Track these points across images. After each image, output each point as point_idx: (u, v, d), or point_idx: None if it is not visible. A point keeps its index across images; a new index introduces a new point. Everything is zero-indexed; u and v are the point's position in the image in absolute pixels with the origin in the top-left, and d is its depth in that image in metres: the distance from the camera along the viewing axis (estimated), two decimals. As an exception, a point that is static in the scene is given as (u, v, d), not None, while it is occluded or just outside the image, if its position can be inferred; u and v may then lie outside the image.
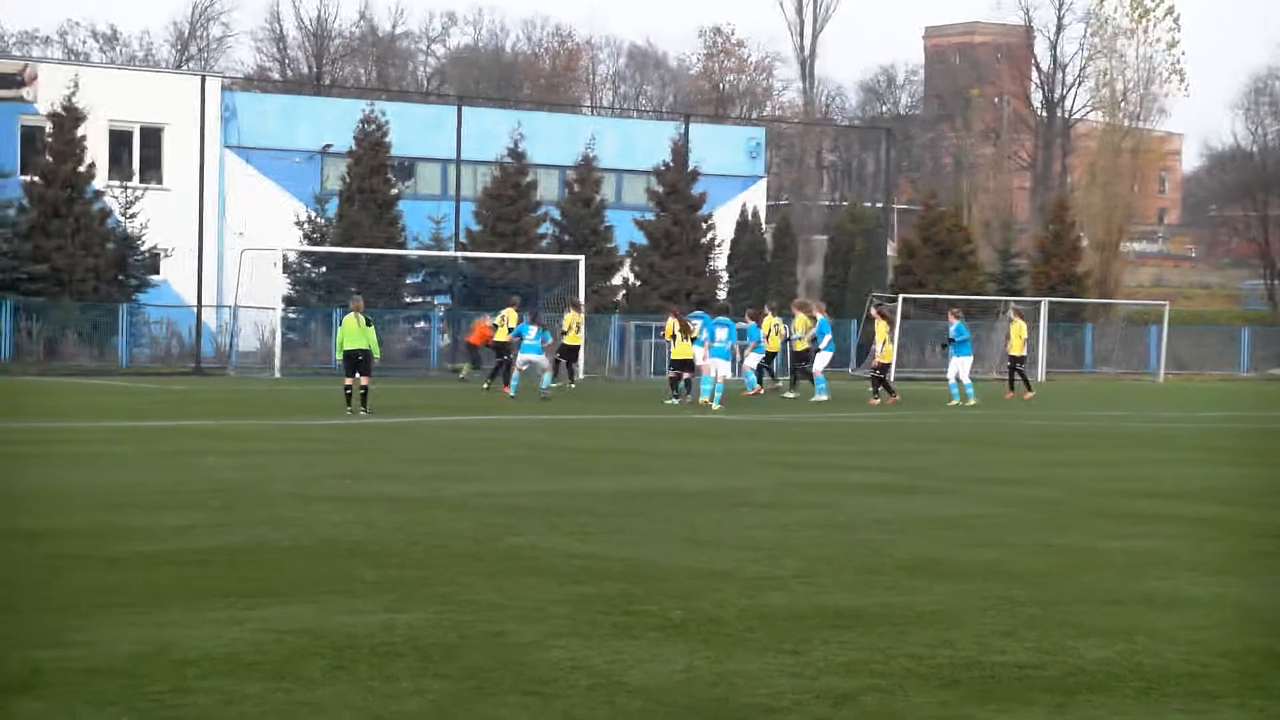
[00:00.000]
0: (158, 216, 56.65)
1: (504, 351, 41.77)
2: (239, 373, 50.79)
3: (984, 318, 65.97)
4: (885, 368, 39.11)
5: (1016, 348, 43.49)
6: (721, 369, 36.03)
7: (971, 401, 37.59)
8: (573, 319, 43.82)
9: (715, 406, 34.43)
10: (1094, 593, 11.23)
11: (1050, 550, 13.30)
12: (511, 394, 37.34)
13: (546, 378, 37.66)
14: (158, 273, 58.65)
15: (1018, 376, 42.49)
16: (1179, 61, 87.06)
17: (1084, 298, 71.79)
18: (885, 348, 38.76)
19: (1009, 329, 44.24)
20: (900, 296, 59.59)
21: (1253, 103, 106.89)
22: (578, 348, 44.89)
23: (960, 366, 38.83)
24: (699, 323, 37.49)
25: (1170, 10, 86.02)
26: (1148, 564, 12.61)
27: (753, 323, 40.71)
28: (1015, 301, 65.34)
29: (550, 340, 38.95)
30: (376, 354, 31.82)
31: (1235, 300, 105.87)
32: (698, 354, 36.56)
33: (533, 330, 37.33)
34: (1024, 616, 10.27)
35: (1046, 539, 13.97)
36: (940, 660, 9.00)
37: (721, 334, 36.34)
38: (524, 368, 37.50)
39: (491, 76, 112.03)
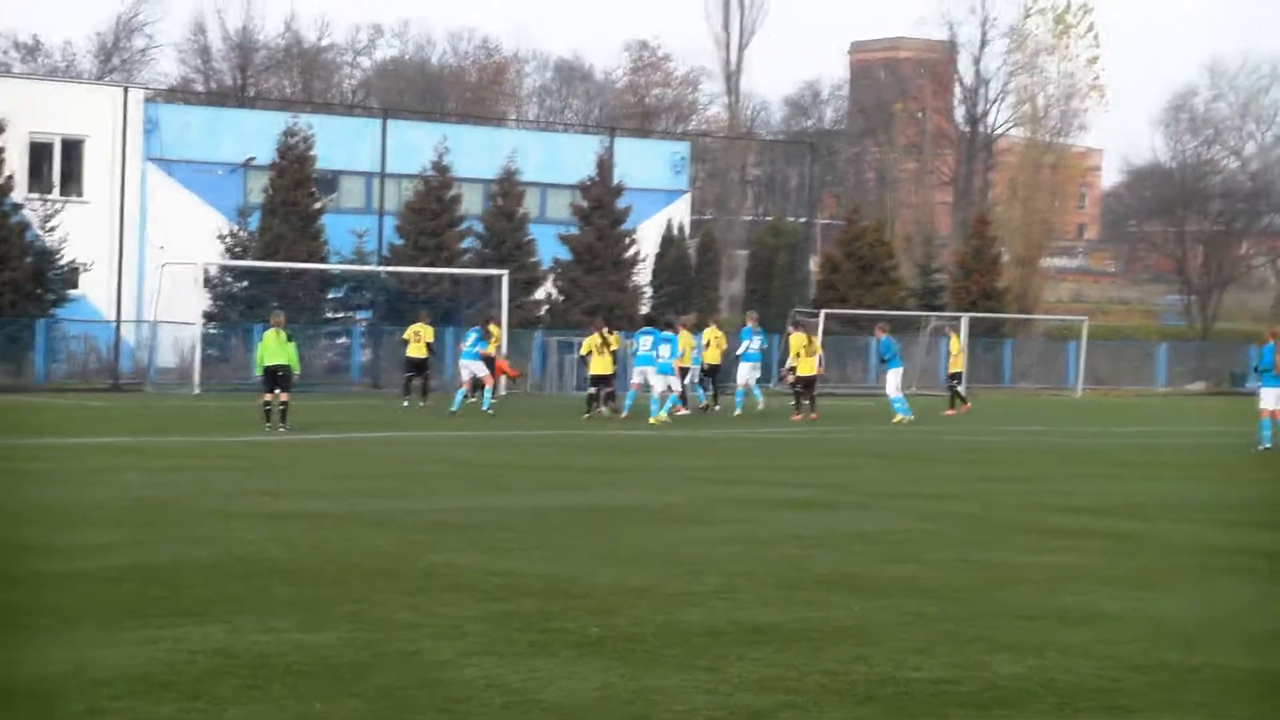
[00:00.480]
0: (77, 230, 56.12)
1: (419, 368, 41.67)
2: (157, 389, 50.39)
3: (906, 333, 66.29)
4: (810, 381, 38.85)
5: (955, 364, 44.36)
6: (673, 384, 36.17)
7: (908, 419, 37.39)
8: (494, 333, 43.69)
9: (656, 418, 34.57)
10: (1009, 608, 11.30)
11: (967, 565, 13.37)
12: (453, 409, 37.17)
13: (485, 394, 37.45)
14: (76, 287, 58.10)
15: (956, 392, 43.13)
16: (1099, 77, 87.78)
17: (1004, 313, 72.19)
18: (801, 361, 38.72)
19: (947, 345, 44.89)
20: (822, 311, 59.78)
21: (1172, 119, 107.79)
22: (493, 360, 44.55)
23: (893, 381, 38.91)
24: (649, 339, 37.11)
25: (1091, 27, 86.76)
26: (1063, 579, 12.70)
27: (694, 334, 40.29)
28: (937, 316, 65.74)
29: (488, 349, 38.89)
30: (296, 369, 31.70)
31: (1153, 316, 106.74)
32: (649, 371, 36.30)
33: (471, 337, 37.62)
34: (939, 632, 10.32)
35: (963, 554, 14.05)
36: (855, 676, 9.03)
37: (665, 350, 36.25)
38: (467, 379, 37.69)
39: (417, 89, 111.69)
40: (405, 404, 41.09)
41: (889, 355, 39.08)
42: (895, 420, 37.22)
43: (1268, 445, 29.50)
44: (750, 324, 42.07)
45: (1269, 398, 29.97)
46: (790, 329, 40.88)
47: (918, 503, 18.79)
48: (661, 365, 36.03)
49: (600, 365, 38.31)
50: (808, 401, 38.28)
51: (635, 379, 37.13)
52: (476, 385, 38.26)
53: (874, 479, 22.38)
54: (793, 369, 39.14)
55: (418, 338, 41.95)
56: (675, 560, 13.35)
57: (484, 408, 36.81)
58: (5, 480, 19.71)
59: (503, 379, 43.34)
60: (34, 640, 9.62)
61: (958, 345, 45.59)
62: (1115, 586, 12.42)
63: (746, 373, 40.08)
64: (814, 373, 38.80)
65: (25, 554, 13.11)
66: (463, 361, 37.80)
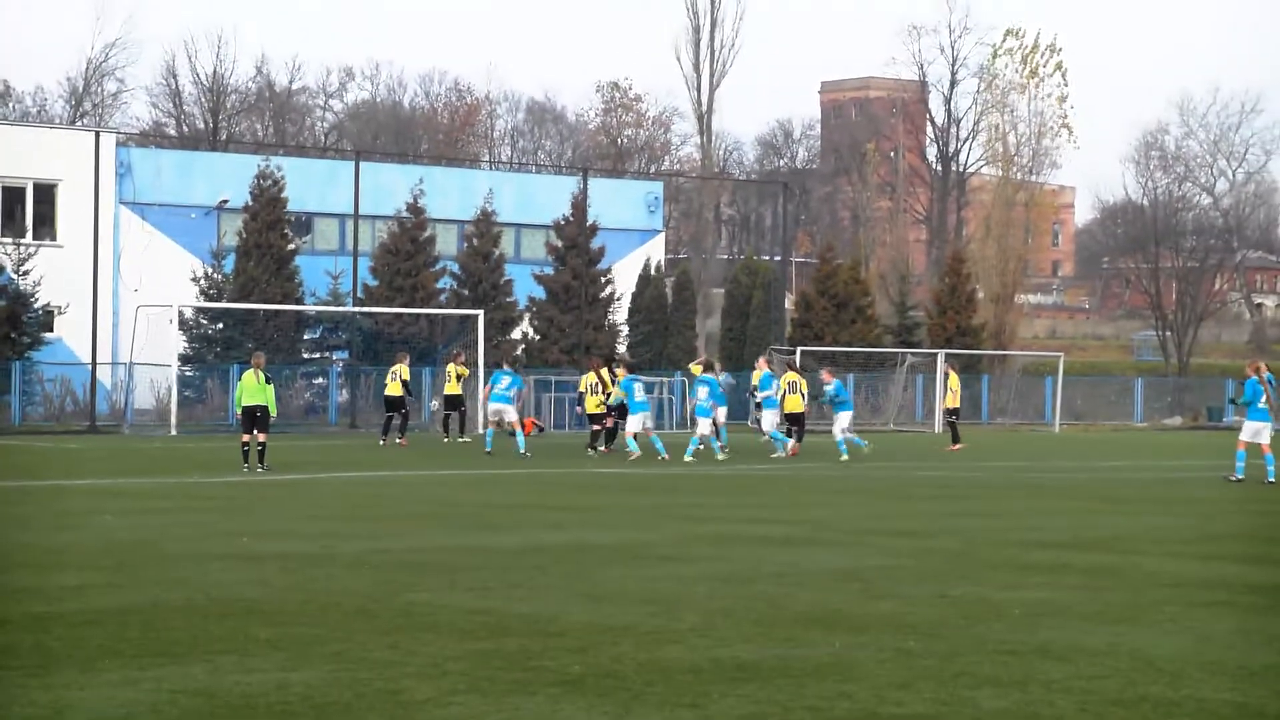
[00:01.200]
0: (51, 273, 56.05)
1: (397, 406, 41.84)
2: (134, 430, 50.28)
3: (881, 370, 66.41)
4: (797, 418, 39.15)
5: (952, 400, 44.95)
6: (702, 427, 36.14)
7: (844, 457, 37.13)
8: (453, 370, 43.67)
9: (686, 458, 34.90)
10: (989, 643, 11.29)
11: (946, 601, 13.37)
12: (488, 449, 36.98)
13: (519, 438, 36.63)
14: (51, 330, 58.01)
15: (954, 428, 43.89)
16: (1069, 116, 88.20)
17: (980, 349, 72.40)
18: (789, 398, 38.89)
19: (946, 382, 45.28)
20: (798, 349, 59.86)
21: (1143, 156, 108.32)
22: (459, 398, 44.45)
23: (842, 422, 38.71)
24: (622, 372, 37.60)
25: (1059, 65, 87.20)
26: (1043, 614, 12.70)
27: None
28: (913, 353, 65.85)
29: (524, 389, 38.65)
30: (274, 411, 31.70)
31: (1128, 351, 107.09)
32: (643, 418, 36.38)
33: (505, 380, 37.14)
34: (920, 668, 10.31)
35: (943, 590, 14.05)
36: (838, 713, 9.02)
37: (703, 392, 36.31)
38: (495, 419, 37.16)
39: (389, 131, 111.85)
40: (381, 442, 41.23)
41: (841, 398, 38.89)
42: (842, 459, 36.90)
43: (1240, 476, 29.64)
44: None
45: (1248, 431, 30.11)
46: (779, 367, 40.78)
47: (896, 539, 18.79)
48: (700, 408, 36.38)
49: (594, 404, 38.72)
50: (795, 438, 38.49)
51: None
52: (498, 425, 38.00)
53: (851, 515, 22.38)
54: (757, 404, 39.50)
55: (395, 377, 42.26)
56: (653, 598, 13.33)
57: (520, 451, 36.37)
58: (-19, 524, 19.63)
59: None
60: (13, 682, 9.57)
61: (956, 382, 45.87)
62: (1095, 621, 12.43)
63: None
64: (801, 410, 39.10)
65: (5, 596, 13.05)
66: (495, 405, 37.01)
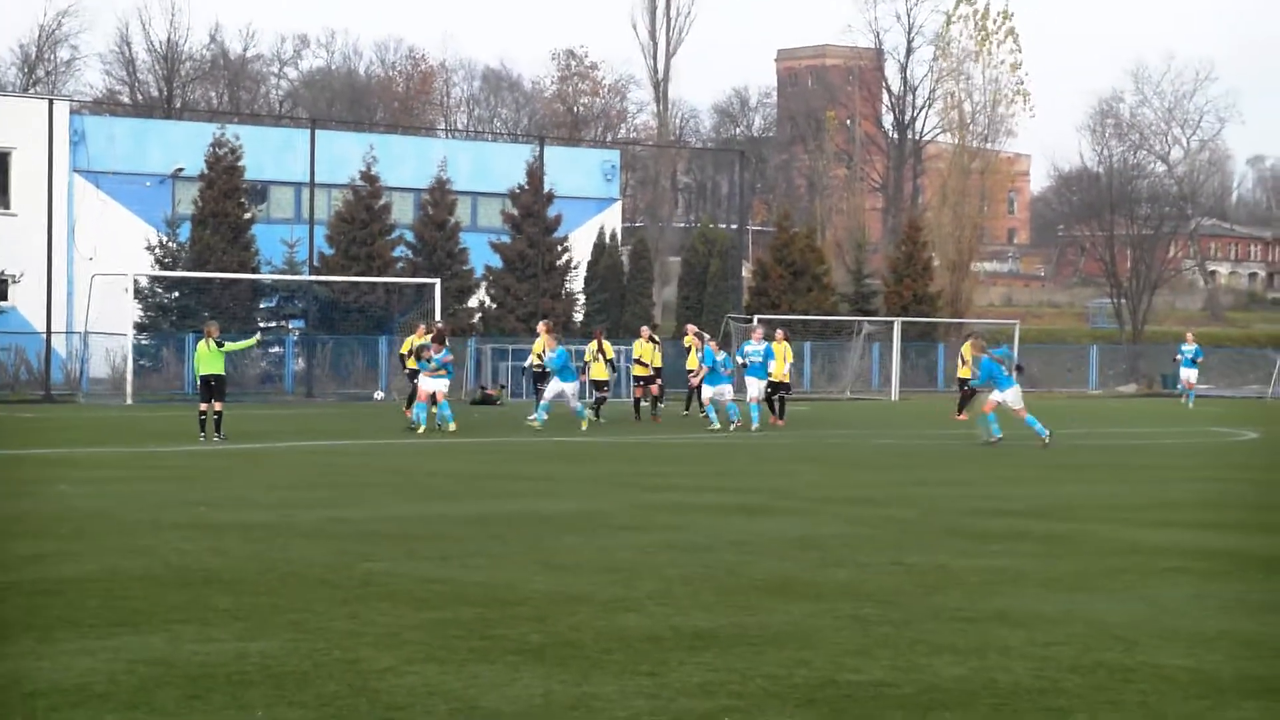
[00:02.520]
0: (5, 241, 55.84)
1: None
2: (90, 399, 50.09)
3: (838, 338, 66.54)
4: (782, 386, 39.37)
5: (965, 371, 44.29)
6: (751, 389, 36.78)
7: (716, 425, 35.68)
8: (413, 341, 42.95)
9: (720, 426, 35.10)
10: (946, 611, 11.35)
11: (903, 569, 13.43)
12: (539, 424, 35.35)
13: (580, 408, 35.75)
14: (5, 299, 57.74)
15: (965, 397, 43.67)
16: (1024, 83, 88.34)
17: (936, 317, 72.58)
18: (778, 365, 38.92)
19: (961, 350, 45.28)
20: (755, 317, 59.92)
21: (1099, 124, 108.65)
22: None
23: (723, 392, 37.14)
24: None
25: (1011, 32, 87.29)
26: (999, 581, 12.77)
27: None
28: (869, 321, 65.98)
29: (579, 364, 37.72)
30: (251, 343, 32.27)
31: (1083, 319, 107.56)
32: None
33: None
34: (878, 635, 10.36)
35: (899, 558, 14.11)
36: (796, 680, 9.06)
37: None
38: (556, 397, 35.51)
39: (344, 99, 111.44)
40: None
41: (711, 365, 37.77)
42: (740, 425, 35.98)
43: (999, 435, 31.46)
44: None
45: (999, 397, 31.82)
46: (773, 336, 39.94)
47: (853, 508, 18.86)
48: (755, 368, 36.85)
49: (598, 372, 39.45)
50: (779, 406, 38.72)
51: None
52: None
53: (809, 484, 22.45)
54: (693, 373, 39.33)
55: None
56: (611, 567, 13.36)
57: (540, 420, 35.64)
58: (-64, 494, 19.55)
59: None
60: (-30, 654, 9.55)
61: (971, 352, 45.16)
62: (1051, 588, 12.50)
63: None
64: (786, 379, 39.55)
65: (-42, 567, 13.02)
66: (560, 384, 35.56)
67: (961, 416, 42.55)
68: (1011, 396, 31.64)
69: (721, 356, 36.32)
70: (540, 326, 37.40)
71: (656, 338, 41.96)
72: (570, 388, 35.34)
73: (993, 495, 20.63)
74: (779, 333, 40.93)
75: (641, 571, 13.06)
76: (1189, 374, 54.58)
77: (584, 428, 34.89)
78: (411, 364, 38.00)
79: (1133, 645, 10.15)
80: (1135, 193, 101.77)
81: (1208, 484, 23.63)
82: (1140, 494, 21.34)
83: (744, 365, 37.44)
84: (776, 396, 38.99)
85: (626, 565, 13.45)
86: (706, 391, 36.14)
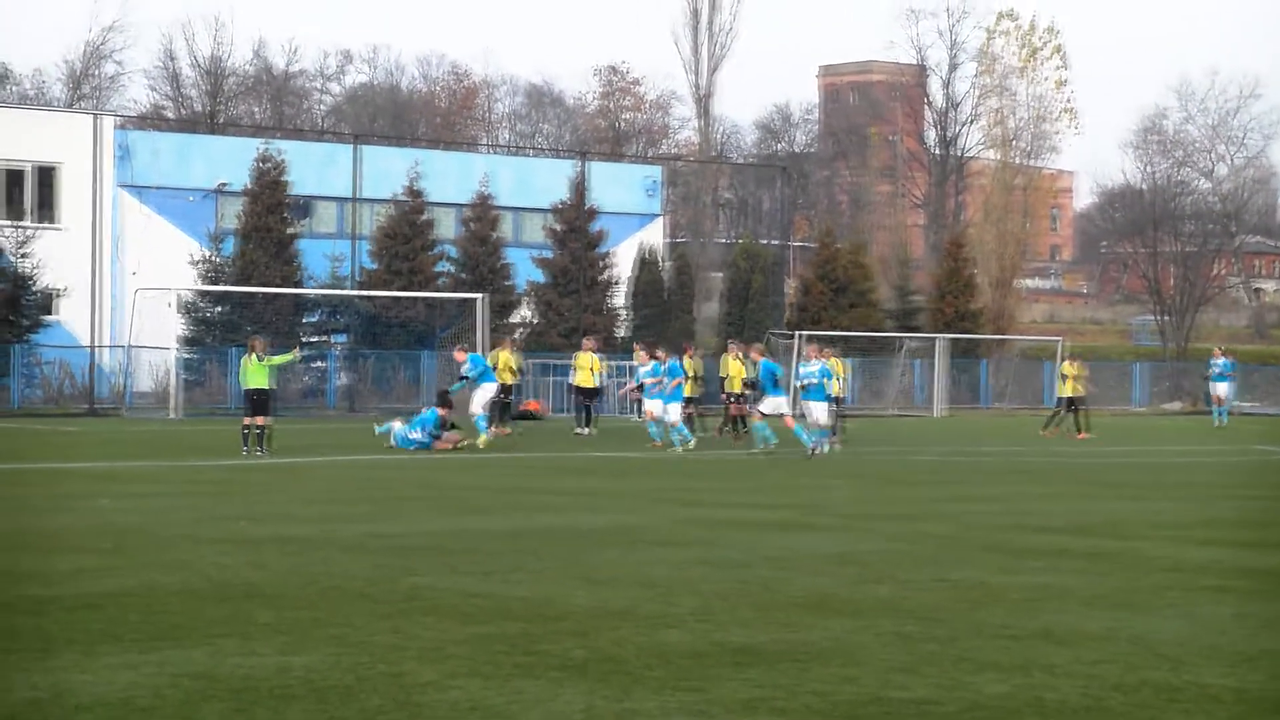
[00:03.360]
0: (51, 256, 56.06)
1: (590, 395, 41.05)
2: (134, 414, 50.29)
3: (881, 354, 66.41)
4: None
5: (1073, 389, 44.16)
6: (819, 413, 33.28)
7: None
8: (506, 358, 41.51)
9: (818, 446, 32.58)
10: (989, 628, 11.29)
11: (945, 586, 13.37)
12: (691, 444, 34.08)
13: (678, 427, 34.41)
14: (51, 312, 58.02)
15: (1078, 416, 43.76)
16: (1069, 100, 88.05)
17: (979, 334, 72.39)
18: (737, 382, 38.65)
19: (1061, 367, 45.63)
20: (797, 333, 59.83)
21: (1143, 141, 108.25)
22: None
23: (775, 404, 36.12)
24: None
25: (1058, 49, 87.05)
26: (1043, 599, 12.70)
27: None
28: (910, 338, 65.83)
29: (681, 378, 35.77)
30: (290, 358, 32.00)
31: (1127, 336, 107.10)
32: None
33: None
34: (922, 653, 10.31)
35: (941, 574, 14.04)
36: (842, 697, 9.02)
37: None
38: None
39: (387, 115, 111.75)
40: (578, 431, 40.52)
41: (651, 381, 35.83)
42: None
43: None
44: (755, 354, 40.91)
45: (771, 405, 31.93)
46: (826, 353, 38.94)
47: (891, 524, 18.79)
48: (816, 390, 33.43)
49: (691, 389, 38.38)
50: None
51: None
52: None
53: (846, 500, 22.39)
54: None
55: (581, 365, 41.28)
56: (650, 582, 13.33)
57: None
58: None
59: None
60: (15, 665, 9.57)
61: (1074, 369, 45.07)
62: (1095, 606, 12.43)
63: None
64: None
65: (3, 580, 13.05)
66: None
67: (1081, 436, 42.28)
68: (770, 406, 31.66)
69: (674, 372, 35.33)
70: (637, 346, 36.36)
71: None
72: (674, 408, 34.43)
73: (1033, 511, 20.53)
74: (827, 350, 40.35)
75: (680, 587, 13.03)
76: (1220, 389, 52.70)
77: (692, 445, 34.12)
78: (505, 379, 38.43)
79: (1178, 664, 10.08)
80: (1180, 210, 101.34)
81: (1250, 502, 23.50)
82: (1183, 512, 21.22)
83: (802, 388, 35.43)
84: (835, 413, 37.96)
85: (664, 581, 13.42)
86: (655, 408, 34.88)
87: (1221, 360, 53.06)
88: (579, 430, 40.25)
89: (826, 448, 32.47)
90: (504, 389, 39.11)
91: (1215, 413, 52.09)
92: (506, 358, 40.45)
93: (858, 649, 10.40)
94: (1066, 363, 46.42)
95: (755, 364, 36.43)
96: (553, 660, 9.91)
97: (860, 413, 60.19)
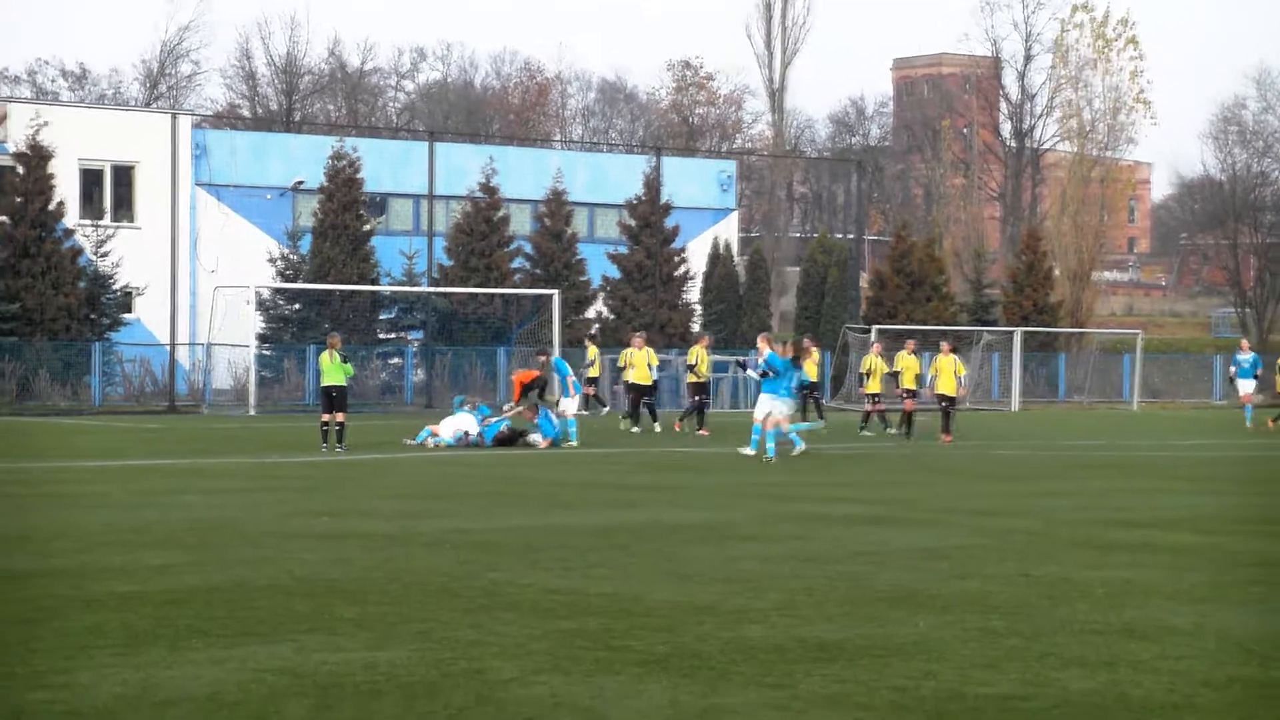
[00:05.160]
0: (130, 254, 56.49)
1: (645, 392, 40.01)
2: (213, 410, 50.63)
3: (956, 348, 66.02)
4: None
5: (946, 385, 38.08)
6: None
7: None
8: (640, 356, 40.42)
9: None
10: (1074, 623, 11.22)
11: (1030, 581, 13.30)
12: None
13: (792, 431, 30.96)
14: (130, 311, 58.47)
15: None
16: (1144, 91, 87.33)
17: (1056, 327, 71.95)
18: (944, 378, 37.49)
19: (936, 362, 38.88)
20: (873, 327, 59.64)
21: (1221, 132, 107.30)
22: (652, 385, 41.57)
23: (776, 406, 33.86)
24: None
25: (1133, 40, 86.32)
26: (1126, 594, 12.62)
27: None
28: (988, 331, 65.51)
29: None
30: (350, 373, 31.80)
31: (1206, 328, 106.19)
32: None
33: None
34: (1006, 648, 10.26)
35: (1026, 570, 13.97)
36: (924, 692, 8.99)
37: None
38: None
39: (461, 111, 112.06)
40: (635, 429, 39.34)
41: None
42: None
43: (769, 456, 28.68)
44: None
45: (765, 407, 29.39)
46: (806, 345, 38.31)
47: (975, 519, 18.70)
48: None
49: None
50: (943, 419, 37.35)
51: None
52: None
53: (933, 495, 22.29)
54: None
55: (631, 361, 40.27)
56: (736, 577, 13.32)
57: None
58: (68, 503, 19.80)
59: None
60: (103, 661, 9.65)
61: (948, 363, 39.41)
62: (1180, 601, 12.34)
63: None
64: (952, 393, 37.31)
65: (92, 576, 13.17)
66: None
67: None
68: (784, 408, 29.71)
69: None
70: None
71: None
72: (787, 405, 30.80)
73: (1116, 506, 20.40)
74: (909, 343, 40.11)
75: (766, 583, 13.01)
76: (1246, 385, 47.85)
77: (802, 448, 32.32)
78: (693, 378, 38.62)
79: (1266, 660, 10.00)
80: (1259, 200, 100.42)
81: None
82: (1267, 506, 21.04)
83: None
84: (943, 410, 37.15)
85: (751, 576, 13.40)
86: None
87: (1249, 355, 48.99)
88: (634, 429, 38.93)
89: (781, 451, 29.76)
90: (648, 389, 39.81)
91: (1244, 410, 47.27)
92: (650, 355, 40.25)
93: (941, 644, 10.36)
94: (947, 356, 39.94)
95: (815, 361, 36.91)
96: (635, 656, 9.91)
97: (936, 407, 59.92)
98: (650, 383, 40.13)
